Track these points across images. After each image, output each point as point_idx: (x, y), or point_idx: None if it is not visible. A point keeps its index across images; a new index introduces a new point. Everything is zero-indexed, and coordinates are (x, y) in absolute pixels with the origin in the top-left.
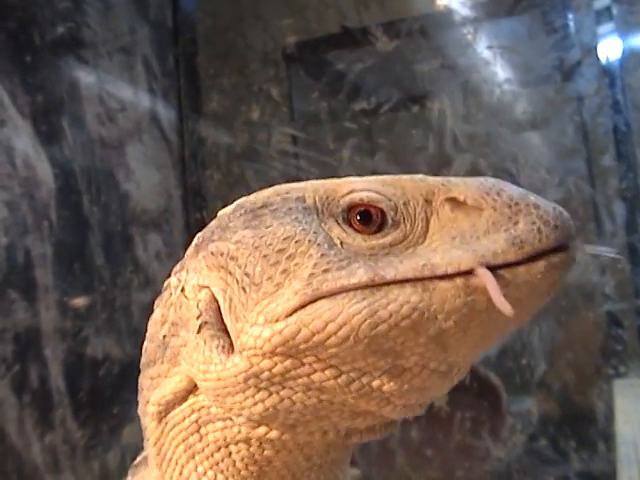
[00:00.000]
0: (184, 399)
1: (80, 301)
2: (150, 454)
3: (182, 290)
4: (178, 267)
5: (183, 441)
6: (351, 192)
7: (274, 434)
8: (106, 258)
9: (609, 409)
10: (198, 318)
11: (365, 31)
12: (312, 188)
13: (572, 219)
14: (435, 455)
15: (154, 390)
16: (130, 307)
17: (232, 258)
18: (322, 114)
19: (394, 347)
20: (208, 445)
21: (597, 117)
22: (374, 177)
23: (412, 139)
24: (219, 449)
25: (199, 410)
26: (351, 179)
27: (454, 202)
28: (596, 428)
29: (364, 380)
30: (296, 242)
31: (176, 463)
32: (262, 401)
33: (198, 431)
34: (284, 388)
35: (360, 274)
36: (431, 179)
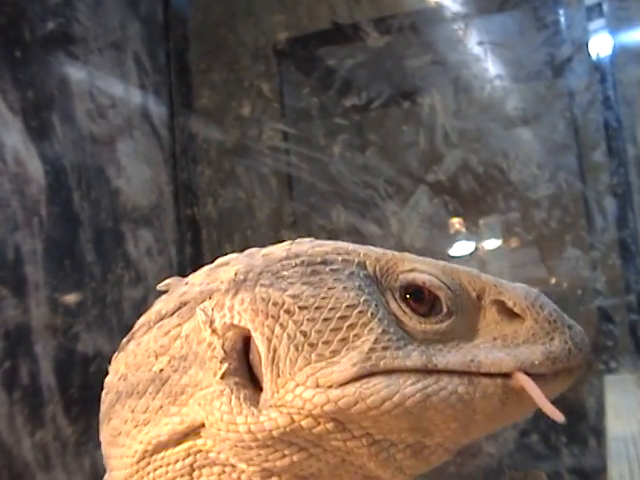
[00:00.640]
0: (179, 442)
1: (71, 297)
2: None
3: (210, 325)
4: (196, 296)
5: None
6: (413, 270)
7: None
8: (97, 254)
9: (600, 405)
10: (223, 361)
11: (356, 27)
12: (374, 256)
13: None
14: None
15: (143, 426)
16: (121, 303)
17: (287, 312)
18: (313, 110)
19: (429, 427)
20: None
21: (588, 113)
22: (433, 261)
23: (403, 135)
24: None
25: (196, 454)
26: (411, 257)
27: (502, 305)
28: (587, 424)
29: (391, 451)
30: (359, 312)
31: None
32: (290, 455)
33: (190, 474)
34: (316, 447)
35: (415, 358)
36: (484, 277)
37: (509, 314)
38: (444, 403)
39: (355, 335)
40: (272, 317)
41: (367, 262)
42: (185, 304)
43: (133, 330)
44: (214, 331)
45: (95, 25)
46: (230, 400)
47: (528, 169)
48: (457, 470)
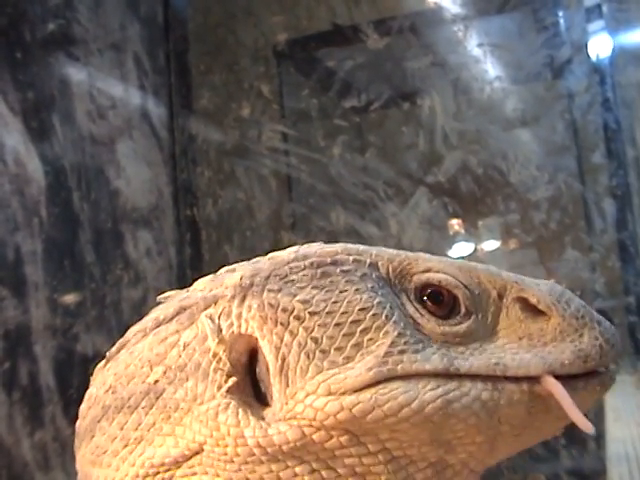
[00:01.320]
0: (172, 470)
1: (70, 298)
2: None
3: (218, 335)
4: (198, 302)
5: None
6: (428, 271)
7: None
8: (96, 255)
9: (599, 407)
10: (230, 374)
11: (356, 28)
12: (387, 257)
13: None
14: None
15: (134, 445)
16: (120, 304)
17: (297, 318)
18: (312, 111)
19: (451, 440)
20: None
21: (587, 114)
22: (449, 260)
23: (402, 136)
24: None
25: None
26: (425, 256)
27: (525, 302)
28: None
29: (410, 469)
30: (373, 315)
31: None
32: (302, 476)
33: None
34: (329, 468)
35: (436, 361)
36: (505, 274)
37: (533, 312)
38: (467, 411)
39: (370, 339)
40: (281, 324)
41: (380, 263)
42: (185, 309)
43: (124, 339)
44: (221, 341)
45: (95, 26)
46: (237, 413)
47: (527, 171)
48: None
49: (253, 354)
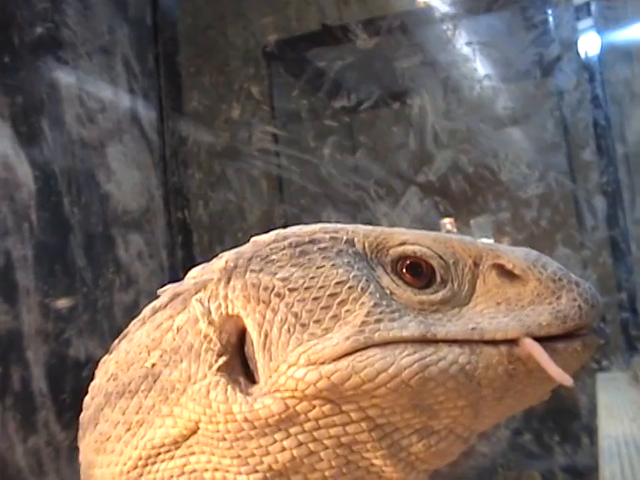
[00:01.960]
0: (172, 452)
1: (62, 303)
2: None
3: (208, 317)
4: (190, 288)
5: None
6: (403, 244)
7: None
8: (87, 259)
9: (592, 403)
10: (220, 354)
11: (345, 29)
12: (362, 233)
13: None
14: None
15: (137, 429)
16: (112, 308)
17: (278, 295)
18: (303, 112)
19: (433, 405)
20: None
21: (577, 112)
22: (424, 232)
23: (393, 136)
24: None
25: (191, 473)
26: (401, 230)
27: (501, 269)
28: (580, 422)
29: (395, 436)
30: (349, 288)
31: None
32: (290, 449)
33: None
34: (315, 440)
35: (412, 328)
36: (480, 243)
37: (510, 277)
38: (444, 374)
39: (347, 311)
40: (263, 302)
41: (355, 239)
42: (178, 295)
43: (126, 330)
44: (211, 323)
45: (84, 29)
46: (226, 390)
47: (518, 169)
48: (450, 470)
49: (243, 334)
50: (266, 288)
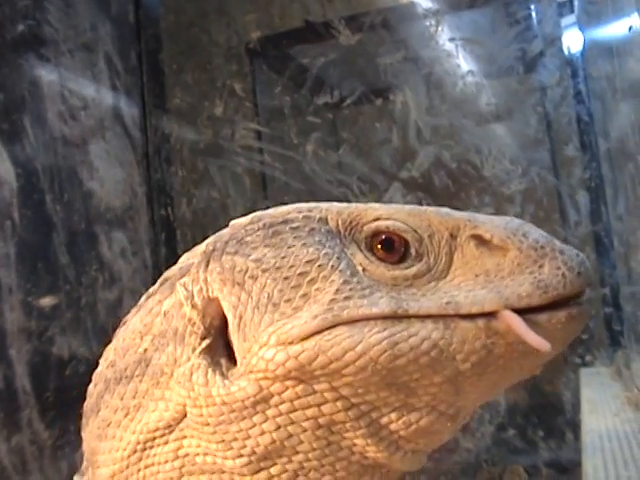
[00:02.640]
0: (166, 436)
1: (45, 301)
2: None
3: (191, 300)
4: (176, 272)
5: None
6: (377, 219)
7: None
8: (70, 257)
9: (576, 398)
10: (203, 337)
11: (328, 25)
12: (336, 210)
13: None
14: None
15: (135, 413)
16: (96, 306)
17: (251, 277)
18: (286, 108)
19: (409, 383)
20: None
21: (560, 107)
22: (399, 206)
23: (376, 132)
24: None
25: (184, 457)
26: (375, 205)
27: (479, 239)
28: (564, 417)
29: (374, 415)
30: (319, 266)
31: None
32: (270, 432)
33: (180, 478)
34: (293, 423)
35: (383, 304)
36: (457, 214)
37: (490, 248)
38: (416, 351)
39: (317, 289)
40: (238, 284)
41: (329, 217)
42: (167, 280)
43: (125, 318)
44: (194, 306)
45: (65, 27)
46: (206, 373)
47: (501, 164)
48: (434, 466)
49: (225, 317)
50: (240, 270)
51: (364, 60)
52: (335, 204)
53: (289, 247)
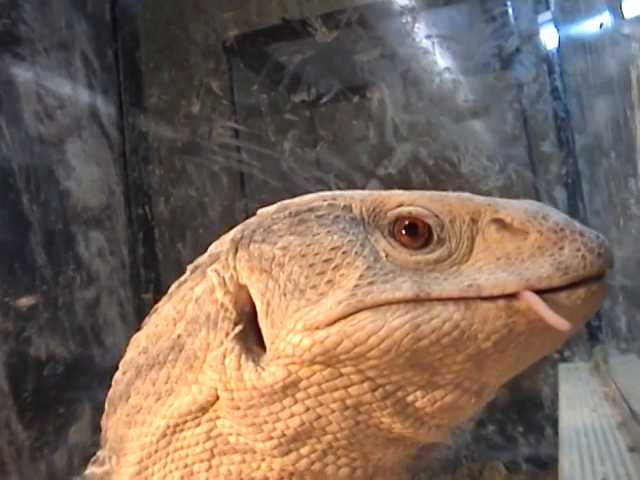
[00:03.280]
0: (198, 418)
1: (22, 301)
2: (122, 472)
3: (224, 286)
4: (206, 260)
5: (185, 467)
6: (400, 205)
7: (304, 463)
8: (47, 257)
9: (555, 394)
10: (237, 322)
11: (304, 23)
12: (359, 198)
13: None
14: None
15: (166, 398)
16: (73, 305)
17: (278, 264)
18: (263, 106)
19: (432, 363)
20: (216, 477)
21: (536, 104)
22: (421, 192)
23: (353, 129)
24: None
25: (216, 438)
26: (398, 192)
27: (500, 223)
28: (543, 413)
29: (399, 394)
30: (343, 253)
31: None
32: (299, 414)
33: (210, 460)
34: (321, 405)
35: (405, 289)
36: (478, 198)
37: (511, 232)
38: (438, 332)
39: (341, 275)
40: (265, 272)
41: (353, 205)
42: (197, 268)
43: (155, 306)
44: (227, 292)
45: (41, 25)
46: (239, 358)
47: (478, 161)
48: (414, 462)
49: (254, 304)
50: (267, 258)
51: (341, 57)
52: (359, 192)
53: (314, 235)
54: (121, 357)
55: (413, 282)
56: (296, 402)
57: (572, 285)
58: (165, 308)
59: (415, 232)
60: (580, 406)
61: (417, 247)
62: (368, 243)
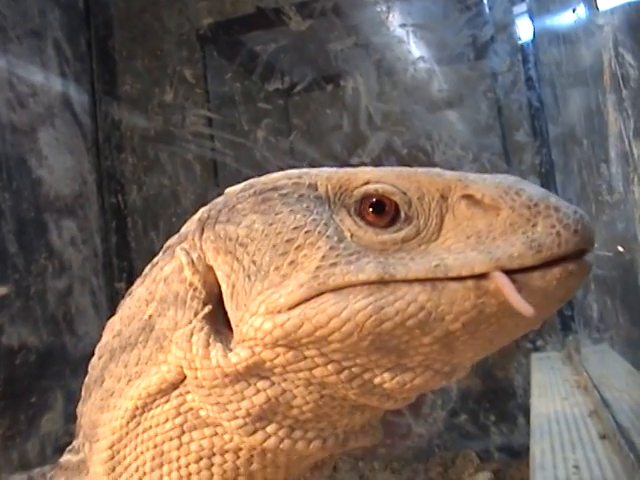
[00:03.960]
0: (168, 395)
1: None
2: (95, 459)
3: (192, 266)
4: (175, 240)
5: (155, 447)
6: (366, 183)
7: (272, 441)
8: (19, 245)
9: (528, 383)
10: (206, 303)
11: (279, 11)
12: (325, 176)
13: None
14: None
15: (135, 380)
16: (45, 294)
17: (241, 245)
18: (236, 95)
19: (398, 345)
20: (188, 454)
21: (511, 93)
22: (389, 168)
23: (327, 118)
24: (199, 459)
25: (187, 413)
26: (366, 169)
27: (471, 199)
28: (515, 402)
29: (366, 376)
30: (306, 232)
31: (136, 470)
32: (264, 390)
33: (179, 437)
34: (285, 380)
35: (369, 270)
36: (448, 174)
37: (482, 208)
38: (402, 314)
39: (303, 256)
40: (230, 253)
41: (318, 183)
42: (168, 248)
43: (130, 289)
44: (195, 272)
45: (13, 13)
46: (208, 337)
47: (452, 150)
48: (388, 451)
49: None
50: (231, 238)
51: (315, 46)
52: (325, 169)
53: (277, 214)
54: (94, 345)
55: (378, 263)
56: (261, 379)
57: (547, 264)
58: (138, 291)
59: (382, 210)
60: (552, 394)
61: (384, 226)
62: (333, 222)
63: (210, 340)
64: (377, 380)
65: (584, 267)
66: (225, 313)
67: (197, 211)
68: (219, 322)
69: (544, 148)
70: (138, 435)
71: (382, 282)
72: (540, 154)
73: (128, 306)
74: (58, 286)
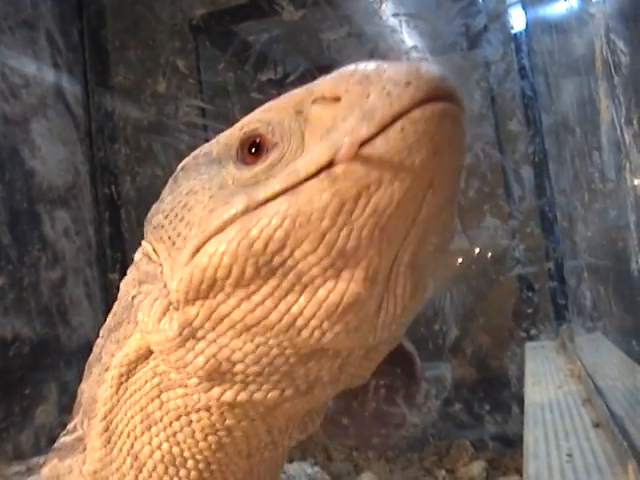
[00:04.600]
0: (147, 359)
1: None
2: (92, 434)
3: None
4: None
5: (141, 410)
6: (241, 129)
7: (229, 395)
8: (12, 237)
9: (522, 372)
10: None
11: (271, 1)
12: (217, 140)
13: (446, 75)
14: (351, 423)
15: (119, 351)
16: (39, 286)
17: (162, 227)
18: (230, 85)
19: (286, 262)
20: (168, 413)
21: (504, 83)
22: (262, 106)
23: None
24: (179, 417)
25: (161, 374)
26: (247, 117)
27: (318, 101)
28: (509, 391)
29: (282, 307)
30: (194, 193)
31: (128, 436)
32: (202, 352)
33: (159, 396)
34: (218, 336)
35: (237, 203)
36: (297, 90)
37: (327, 104)
38: (268, 229)
39: (193, 214)
40: (161, 239)
41: (212, 148)
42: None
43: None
44: (154, 250)
45: (5, 4)
46: (166, 307)
47: None
48: (382, 441)
49: None
50: (156, 226)
51: (308, 36)
52: (225, 132)
53: (179, 187)
54: (88, 336)
55: (245, 195)
56: (197, 341)
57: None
58: (128, 275)
59: (258, 148)
60: (546, 383)
61: (261, 160)
62: (218, 176)
63: (167, 310)
64: (295, 309)
65: (433, 110)
66: None
67: None
68: (165, 295)
69: (537, 137)
70: (127, 400)
71: (249, 210)
72: (533, 143)
73: (122, 288)
74: (52, 277)
